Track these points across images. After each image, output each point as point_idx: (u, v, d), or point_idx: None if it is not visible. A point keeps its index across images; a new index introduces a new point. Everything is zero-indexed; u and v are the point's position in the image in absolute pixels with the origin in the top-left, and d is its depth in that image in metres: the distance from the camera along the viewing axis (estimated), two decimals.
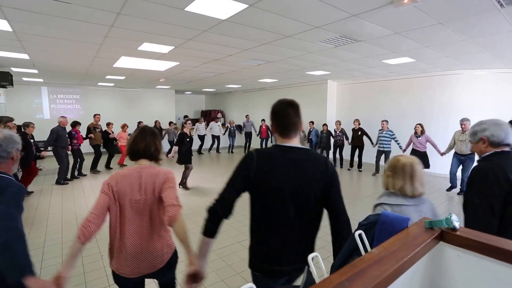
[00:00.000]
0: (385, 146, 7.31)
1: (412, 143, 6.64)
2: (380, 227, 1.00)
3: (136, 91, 12.48)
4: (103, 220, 1.51)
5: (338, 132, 8.47)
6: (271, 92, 11.91)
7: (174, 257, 1.68)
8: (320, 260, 0.91)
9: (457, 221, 0.91)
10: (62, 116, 6.71)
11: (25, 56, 5.49)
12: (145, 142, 1.66)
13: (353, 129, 8.10)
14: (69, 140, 6.77)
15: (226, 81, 9.64)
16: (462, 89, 7.14)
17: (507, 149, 1.61)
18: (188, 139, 5.96)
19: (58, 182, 6.54)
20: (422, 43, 4.45)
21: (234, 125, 11.75)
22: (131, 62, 6.10)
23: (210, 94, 16.25)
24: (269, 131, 10.72)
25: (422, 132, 6.44)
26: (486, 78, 6.91)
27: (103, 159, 8.31)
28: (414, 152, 6.46)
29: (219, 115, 14.83)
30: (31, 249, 1.32)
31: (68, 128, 6.86)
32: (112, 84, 11.02)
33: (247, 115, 11.85)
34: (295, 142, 1.43)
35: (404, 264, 0.73)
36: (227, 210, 1.38)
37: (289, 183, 1.35)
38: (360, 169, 8.21)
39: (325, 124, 8.96)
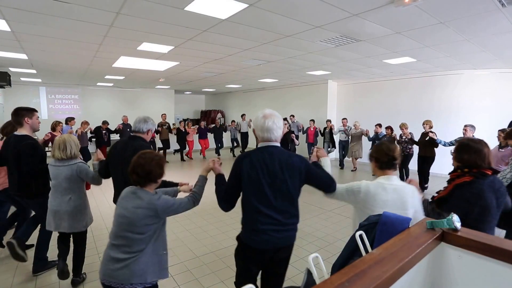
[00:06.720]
0: None
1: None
2: (381, 228, 1.00)
3: (135, 91, 12.47)
4: None
5: (404, 137, 6.19)
6: (271, 92, 11.89)
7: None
8: (320, 261, 0.90)
9: (458, 221, 0.90)
10: (124, 116, 8.84)
11: (23, 56, 5.48)
12: None
13: (422, 134, 5.89)
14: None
15: (226, 81, 9.63)
16: (463, 89, 7.13)
17: None
18: None
19: None
20: (422, 43, 4.44)
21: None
22: (131, 62, 6.09)
23: (210, 94, 16.24)
24: (319, 132, 8.93)
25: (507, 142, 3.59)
26: (487, 78, 6.91)
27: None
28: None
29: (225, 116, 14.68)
30: None
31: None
32: (111, 84, 11.01)
33: (292, 115, 9.79)
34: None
35: (405, 265, 0.73)
36: None
37: None
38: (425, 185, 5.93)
39: (388, 127, 6.78)
